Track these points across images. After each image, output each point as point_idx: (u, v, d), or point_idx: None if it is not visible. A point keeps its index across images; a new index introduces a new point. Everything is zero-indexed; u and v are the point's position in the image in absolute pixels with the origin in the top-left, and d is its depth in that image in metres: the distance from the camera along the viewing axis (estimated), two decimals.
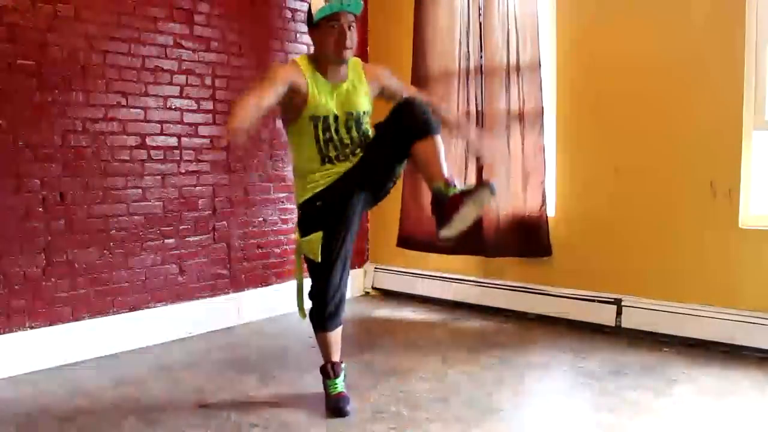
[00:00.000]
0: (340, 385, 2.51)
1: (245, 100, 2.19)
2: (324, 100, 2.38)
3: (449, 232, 2.22)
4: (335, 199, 2.38)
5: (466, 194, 2.16)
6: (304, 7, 4.03)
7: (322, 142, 2.40)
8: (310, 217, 2.43)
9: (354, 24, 2.36)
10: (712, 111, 3.08)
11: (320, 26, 2.33)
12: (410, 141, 2.27)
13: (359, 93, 2.47)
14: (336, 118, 2.40)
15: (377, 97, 2.58)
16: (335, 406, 2.42)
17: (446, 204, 2.19)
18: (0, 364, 2.80)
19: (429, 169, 2.27)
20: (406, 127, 2.27)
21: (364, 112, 2.47)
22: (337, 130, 2.40)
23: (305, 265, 2.51)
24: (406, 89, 2.62)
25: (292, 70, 2.37)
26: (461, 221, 2.19)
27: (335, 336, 2.54)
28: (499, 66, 3.69)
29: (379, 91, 2.56)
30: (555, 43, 3.60)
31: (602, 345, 3.21)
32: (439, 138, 2.28)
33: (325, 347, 2.54)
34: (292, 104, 2.37)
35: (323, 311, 2.47)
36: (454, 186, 2.21)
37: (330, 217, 2.39)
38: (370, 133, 2.50)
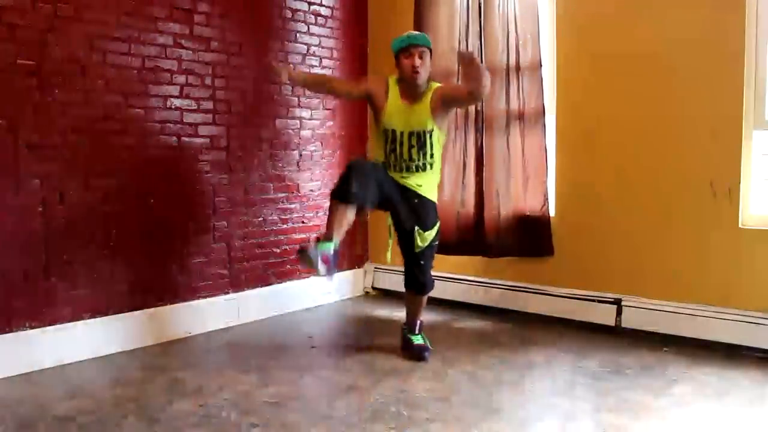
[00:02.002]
0: (325, 247, 2.76)
1: (324, 75, 3.44)
2: (396, 117, 3.02)
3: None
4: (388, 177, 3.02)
5: (410, 347, 3.11)
6: (304, 6, 4.04)
7: (387, 150, 3.06)
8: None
9: (425, 53, 2.99)
10: (712, 111, 3.08)
11: (398, 56, 3.00)
12: (408, 288, 3.18)
13: (423, 114, 3.02)
14: (402, 133, 3.02)
15: (448, 107, 3.08)
16: (310, 254, 2.73)
17: (402, 339, 3.19)
18: (0, 364, 2.80)
19: (409, 315, 3.22)
20: (409, 281, 3.16)
21: (425, 131, 3.02)
22: (401, 143, 3.02)
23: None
24: (458, 88, 3.29)
25: (380, 83, 3.11)
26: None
27: (341, 212, 2.80)
28: (500, 66, 3.69)
29: (444, 105, 3.03)
30: (555, 43, 3.60)
31: (602, 345, 3.21)
32: (425, 298, 3.20)
33: (333, 219, 2.81)
34: (374, 110, 3.12)
35: (340, 185, 2.82)
36: (414, 333, 3.17)
37: (382, 167, 3.04)
38: (436, 157, 3.08)
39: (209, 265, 3.60)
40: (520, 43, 3.61)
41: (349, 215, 2.82)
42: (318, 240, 2.81)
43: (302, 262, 2.79)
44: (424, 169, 3.08)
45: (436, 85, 3.09)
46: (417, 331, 3.17)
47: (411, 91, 3.03)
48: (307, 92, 4.05)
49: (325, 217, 3.10)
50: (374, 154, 3.20)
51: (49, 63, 2.93)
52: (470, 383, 2.72)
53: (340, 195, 2.80)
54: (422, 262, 3.08)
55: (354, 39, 4.35)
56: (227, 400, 2.56)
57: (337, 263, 2.86)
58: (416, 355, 3.05)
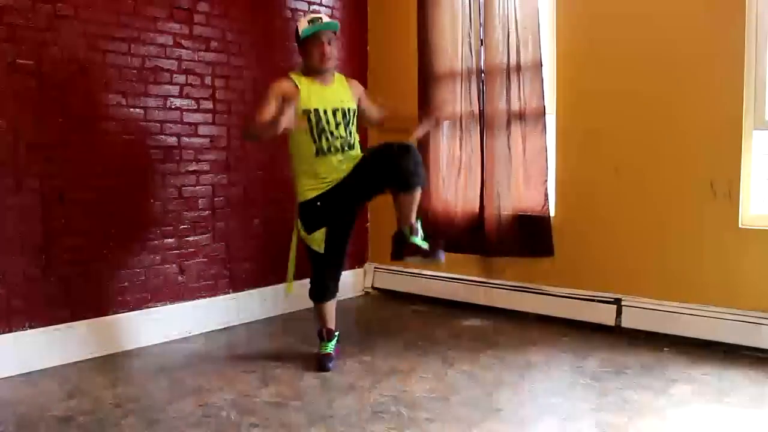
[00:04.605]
0: (330, 347, 3.02)
1: (255, 118, 2.79)
2: (315, 96, 2.88)
3: (398, 259, 2.87)
4: (332, 203, 2.88)
5: (420, 251, 2.74)
6: (304, 6, 4.04)
7: (316, 134, 2.86)
8: (313, 214, 2.92)
9: (333, 39, 2.91)
10: (712, 111, 3.08)
11: (306, 43, 2.88)
12: (399, 189, 2.73)
13: (345, 93, 2.98)
14: (325, 111, 2.88)
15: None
16: (320, 362, 2.93)
17: (404, 245, 2.78)
18: (0, 364, 2.80)
19: (403, 212, 2.77)
20: (399, 178, 2.70)
21: (349, 109, 2.95)
22: (327, 122, 2.87)
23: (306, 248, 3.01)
24: (374, 106, 3.16)
25: (285, 83, 2.88)
26: (410, 260, 2.84)
27: (329, 307, 3.05)
28: (500, 66, 3.69)
29: (357, 102, 3.04)
30: (555, 43, 3.60)
31: (602, 345, 3.21)
32: (419, 191, 2.75)
33: (320, 316, 3.06)
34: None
35: (321, 289, 3.02)
36: (416, 235, 2.76)
37: (330, 216, 2.91)
38: (357, 138, 2.97)
39: (209, 265, 3.60)
40: (521, 43, 3.60)
41: (334, 304, 3.08)
42: (322, 338, 3.04)
43: (330, 369, 2.93)
44: (352, 148, 2.93)
45: (342, 76, 3.05)
46: (419, 234, 2.78)
47: (320, 76, 2.91)
48: None
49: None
50: (299, 163, 2.93)
51: (49, 63, 2.93)
52: (470, 383, 2.72)
53: (320, 298, 3.03)
54: (410, 148, 2.71)
55: (354, 39, 4.35)
56: (227, 400, 2.56)
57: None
58: (430, 255, 2.73)
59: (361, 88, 3.15)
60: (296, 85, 2.87)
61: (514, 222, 3.71)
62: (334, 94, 2.93)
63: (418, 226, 2.79)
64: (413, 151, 2.72)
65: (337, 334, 3.08)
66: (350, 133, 2.94)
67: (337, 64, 2.96)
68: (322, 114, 2.86)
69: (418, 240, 2.76)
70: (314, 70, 2.90)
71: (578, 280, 3.55)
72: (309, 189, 2.90)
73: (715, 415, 2.39)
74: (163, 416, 2.40)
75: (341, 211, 2.94)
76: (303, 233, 2.96)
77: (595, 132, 3.47)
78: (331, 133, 2.87)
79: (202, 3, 3.50)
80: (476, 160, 3.81)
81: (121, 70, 3.18)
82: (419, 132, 3.07)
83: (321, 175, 2.87)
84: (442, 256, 2.75)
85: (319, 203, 2.88)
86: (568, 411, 2.44)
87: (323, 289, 3.01)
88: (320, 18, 2.89)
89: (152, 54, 3.30)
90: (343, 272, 3.12)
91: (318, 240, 2.92)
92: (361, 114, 3.07)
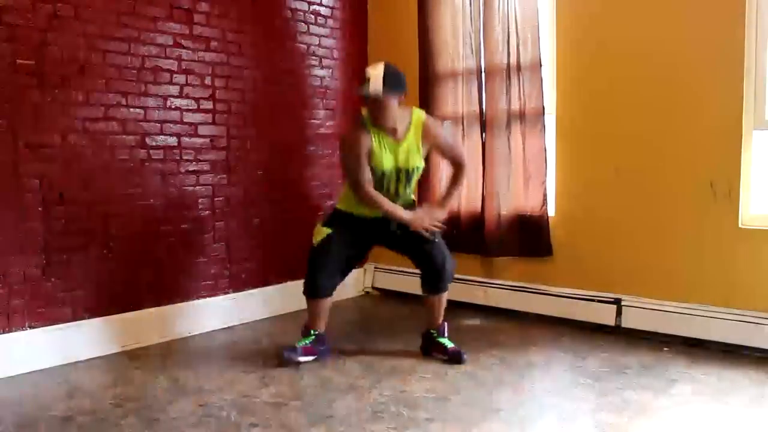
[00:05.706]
0: (303, 342, 3.00)
1: (369, 195, 2.90)
2: (385, 156, 2.91)
3: (426, 355, 3.09)
4: (355, 229, 3.00)
5: (447, 351, 3.00)
6: (304, 6, 4.04)
7: (374, 185, 2.92)
8: (334, 216, 3.06)
9: (386, 99, 2.79)
10: (712, 111, 3.08)
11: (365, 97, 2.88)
12: (431, 291, 3.05)
13: (415, 151, 2.96)
14: (391, 172, 2.94)
15: (433, 150, 3.08)
16: (283, 353, 2.95)
17: (432, 344, 3.08)
18: (0, 364, 2.80)
19: (433, 315, 3.08)
20: (431, 280, 3.02)
21: (415, 168, 2.99)
22: (389, 181, 2.97)
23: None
24: (454, 148, 3.15)
25: (363, 138, 2.88)
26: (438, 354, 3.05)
27: (320, 306, 3.03)
28: (500, 66, 3.69)
29: (431, 147, 3.03)
30: (555, 43, 3.60)
31: (602, 345, 3.21)
32: (445, 295, 3.07)
33: (309, 312, 3.06)
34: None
35: (311, 284, 3.00)
36: (443, 336, 3.06)
37: (343, 227, 2.99)
38: (413, 190, 3.12)
39: (209, 265, 3.60)
40: (520, 43, 3.61)
41: (326, 305, 3.05)
42: (303, 336, 3.04)
43: (286, 361, 2.94)
44: (403, 199, 3.04)
45: (421, 116, 2.97)
46: (445, 334, 3.08)
47: (385, 129, 2.91)
48: (308, 92, 4.06)
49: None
50: (351, 193, 3.00)
51: (49, 63, 2.93)
52: (470, 383, 2.72)
53: (310, 293, 3.02)
54: (435, 245, 2.97)
55: (354, 39, 4.36)
56: (227, 400, 2.56)
57: (326, 343, 3.09)
58: (454, 358, 2.96)
59: (437, 130, 3.04)
60: (371, 140, 2.88)
61: (514, 222, 3.71)
62: (405, 155, 2.93)
63: (445, 326, 3.08)
64: (451, 264, 3.02)
65: (315, 333, 3.03)
66: (407, 189, 3.03)
67: (395, 120, 2.88)
68: (387, 175, 2.94)
69: (445, 340, 3.05)
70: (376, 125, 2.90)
71: (578, 280, 3.55)
72: (349, 205, 3.03)
73: (715, 415, 2.39)
74: (163, 416, 2.40)
75: (360, 243, 3.07)
76: (318, 225, 3.05)
77: (595, 132, 3.47)
78: (388, 191, 2.97)
79: (202, 3, 3.50)
80: (477, 160, 3.81)
81: (121, 70, 3.18)
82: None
83: (363, 211, 3.00)
84: (465, 357, 2.97)
85: (347, 213, 3.03)
86: (568, 411, 2.44)
87: (313, 284, 3.00)
88: (375, 75, 2.77)
89: (152, 54, 3.30)
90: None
91: (322, 233, 2.99)
92: (443, 153, 3.12)
